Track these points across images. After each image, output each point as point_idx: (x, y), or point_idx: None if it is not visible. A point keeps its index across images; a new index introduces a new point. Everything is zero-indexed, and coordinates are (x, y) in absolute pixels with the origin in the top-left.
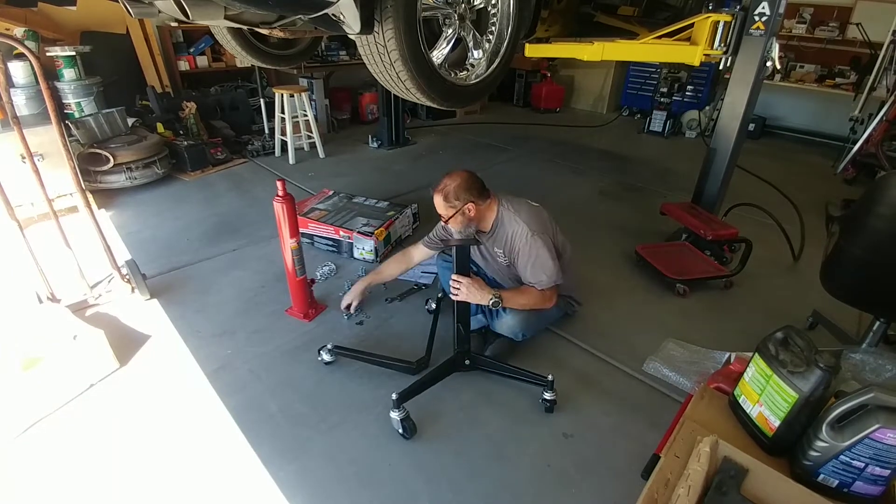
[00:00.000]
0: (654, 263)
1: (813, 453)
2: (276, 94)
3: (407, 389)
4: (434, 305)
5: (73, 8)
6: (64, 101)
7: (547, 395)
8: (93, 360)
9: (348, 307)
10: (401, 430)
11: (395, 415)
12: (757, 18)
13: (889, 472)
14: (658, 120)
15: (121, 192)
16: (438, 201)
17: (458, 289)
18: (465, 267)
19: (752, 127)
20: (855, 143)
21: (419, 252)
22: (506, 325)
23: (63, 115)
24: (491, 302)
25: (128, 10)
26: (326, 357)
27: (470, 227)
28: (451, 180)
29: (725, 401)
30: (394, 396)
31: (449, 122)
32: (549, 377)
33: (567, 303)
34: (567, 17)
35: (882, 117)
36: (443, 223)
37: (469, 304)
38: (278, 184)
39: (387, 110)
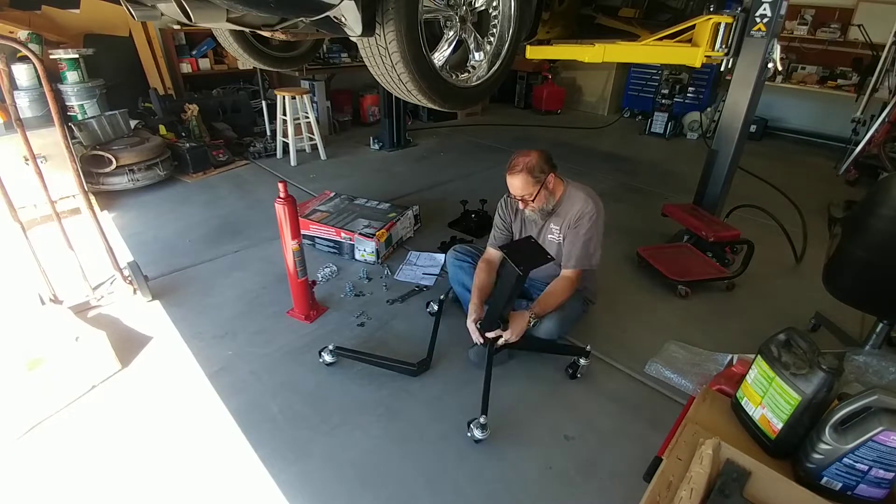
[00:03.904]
0: (656, 265)
1: (816, 456)
2: (278, 96)
3: (484, 401)
4: (436, 308)
5: (77, 11)
6: (67, 104)
7: (582, 361)
8: (95, 361)
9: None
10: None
11: (479, 434)
12: (758, 20)
13: (893, 475)
14: (659, 121)
15: (123, 193)
16: (521, 181)
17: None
18: (510, 303)
19: (753, 128)
20: (857, 144)
21: (495, 253)
22: (545, 330)
23: (66, 118)
24: (532, 324)
25: (131, 14)
26: (328, 358)
27: (548, 204)
28: (527, 157)
29: (728, 403)
30: (482, 420)
31: (450, 123)
32: (587, 347)
33: (586, 299)
34: (568, 19)
35: (884, 118)
36: (522, 207)
37: (497, 342)
38: (280, 185)
39: (388, 112)
